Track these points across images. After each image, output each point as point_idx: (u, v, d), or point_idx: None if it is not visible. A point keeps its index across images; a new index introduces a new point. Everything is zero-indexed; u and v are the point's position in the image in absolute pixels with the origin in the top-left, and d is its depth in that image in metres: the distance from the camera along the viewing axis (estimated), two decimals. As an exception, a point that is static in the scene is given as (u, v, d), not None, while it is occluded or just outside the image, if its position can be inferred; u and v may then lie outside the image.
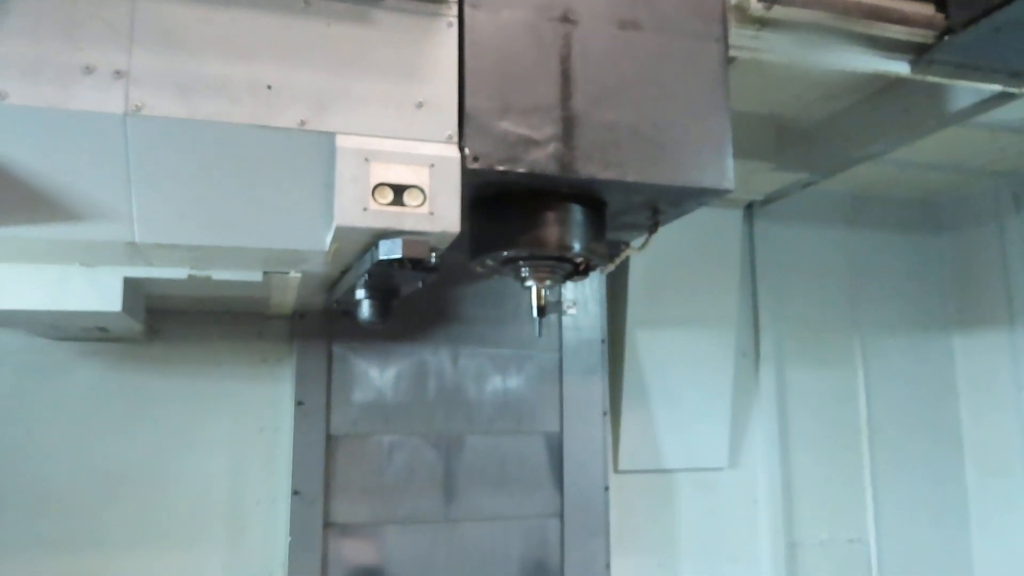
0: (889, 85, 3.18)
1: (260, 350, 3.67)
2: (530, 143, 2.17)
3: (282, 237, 2.19)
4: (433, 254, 2.14)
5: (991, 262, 4.59)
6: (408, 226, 2.01)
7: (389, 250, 2.01)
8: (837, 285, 4.64)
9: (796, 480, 4.37)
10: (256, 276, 2.55)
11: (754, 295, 4.45)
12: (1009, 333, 4.46)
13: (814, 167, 3.66)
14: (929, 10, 2.45)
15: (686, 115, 2.32)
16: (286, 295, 2.97)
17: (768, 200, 4.32)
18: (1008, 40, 2.40)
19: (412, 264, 2.13)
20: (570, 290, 3.81)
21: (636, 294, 4.01)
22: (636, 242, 2.73)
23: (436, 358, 3.63)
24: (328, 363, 3.49)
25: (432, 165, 2.05)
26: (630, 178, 2.24)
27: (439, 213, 2.04)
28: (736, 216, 4.19)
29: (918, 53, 2.56)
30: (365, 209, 1.99)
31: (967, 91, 2.87)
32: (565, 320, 3.79)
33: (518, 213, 2.34)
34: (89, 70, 1.87)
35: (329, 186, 2.08)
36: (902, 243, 4.83)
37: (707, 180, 2.32)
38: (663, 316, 4.08)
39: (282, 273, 2.56)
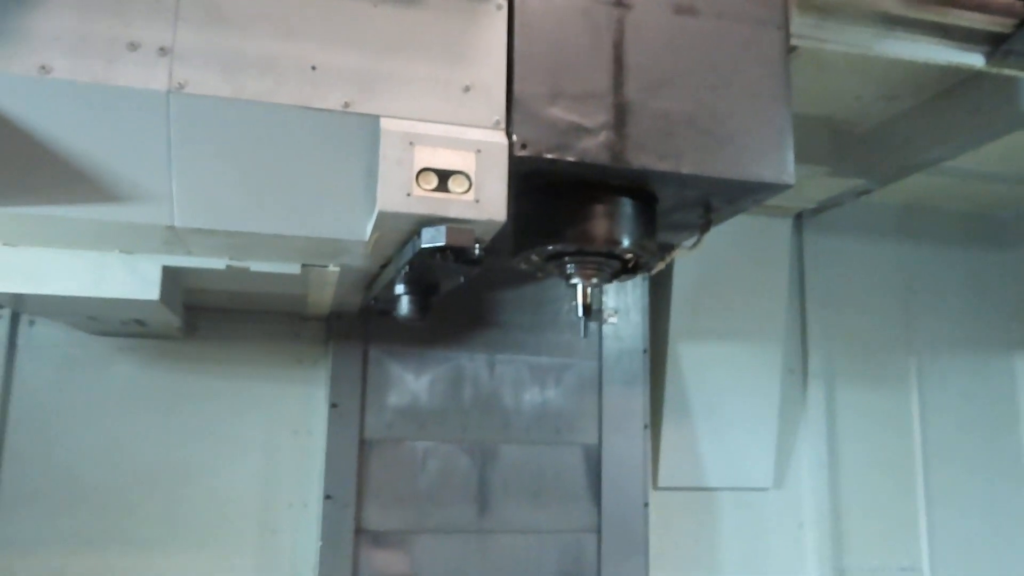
0: (956, 84, 3.04)
1: (296, 351, 3.62)
2: (580, 131, 2.09)
3: (322, 225, 2.13)
4: (477, 245, 2.06)
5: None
6: (453, 213, 1.93)
7: (432, 238, 1.94)
8: (891, 301, 4.46)
9: (845, 504, 4.18)
10: (294, 269, 2.49)
11: (803, 309, 4.29)
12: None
13: (871, 173, 3.52)
14: (1006, -1, 2.32)
15: (744, 106, 2.22)
16: (324, 293, 2.91)
17: (819, 209, 4.18)
18: (1091, 31, 2.26)
19: (455, 254, 2.06)
20: (612, 297, 3.71)
21: (679, 304, 3.89)
22: (687, 242, 2.62)
23: (472, 364, 3.54)
24: (364, 366, 3.42)
25: (479, 151, 1.98)
26: (685, 170, 2.14)
27: (485, 201, 1.96)
28: (786, 225, 4.05)
29: (994, 44, 2.42)
30: (409, 195, 1.91)
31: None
32: (606, 329, 3.68)
33: (565, 205, 2.25)
34: (134, 46, 1.83)
35: (372, 172, 2.02)
36: (961, 258, 4.63)
37: (766, 174, 2.21)
38: (707, 328, 3.95)
39: (321, 267, 2.50)
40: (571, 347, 3.63)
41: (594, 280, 2.35)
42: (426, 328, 3.45)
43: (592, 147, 2.08)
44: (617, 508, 3.55)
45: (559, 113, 2.08)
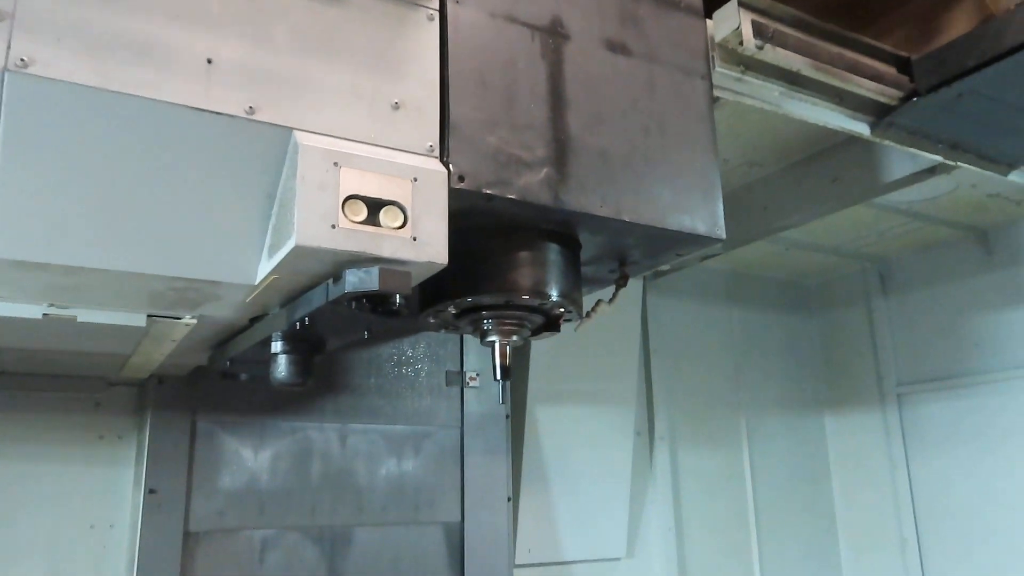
0: (816, 154, 3.19)
1: (96, 424, 2.92)
2: (521, 165, 1.83)
3: (198, 263, 1.66)
4: (398, 298, 1.71)
5: (859, 343, 4.76)
6: (386, 252, 1.58)
7: (361, 282, 1.56)
8: (724, 363, 4.60)
9: (691, 568, 4.14)
10: (137, 320, 1.95)
11: (647, 371, 4.27)
12: (881, 412, 4.60)
13: (729, 236, 3.58)
14: (896, 73, 2.45)
15: (676, 153, 2.10)
16: (157, 351, 2.34)
17: (663, 272, 4.23)
18: (966, 108, 2.43)
19: (374, 304, 1.69)
20: (473, 358, 3.42)
21: (538, 366, 3.69)
22: (605, 299, 2.41)
23: (322, 435, 3.06)
24: (191, 441, 2.81)
25: (415, 179, 1.65)
26: (626, 217, 1.95)
27: (424, 239, 1.62)
28: (637, 286, 4.03)
29: (880, 115, 2.54)
30: (334, 227, 1.53)
31: (902, 162, 2.91)
32: (467, 393, 3.38)
33: (487, 251, 1.96)
34: (-49, 3, 1.32)
35: (271, 196, 1.62)
36: (779, 322, 4.91)
37: (700, 226, 2.08)
38: (564, 390, 3.78)
39: (173, 319, 1.98)
40: (431, 414, 3.28)
41: (514, 338, 2.07)
42: (266, 394, 2.95)
43: (533, 184, 1.83)
44: (482, 593, 3.20)
45: (498, 143, 1.81)
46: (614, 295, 2.34)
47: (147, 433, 2.76)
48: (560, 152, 1.89)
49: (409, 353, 3.30)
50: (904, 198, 3.76)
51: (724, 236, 2.12)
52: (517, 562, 3.60)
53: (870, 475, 4.65)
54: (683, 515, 4.20)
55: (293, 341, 1.98)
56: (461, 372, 3.37)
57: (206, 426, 2.85)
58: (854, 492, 4.72)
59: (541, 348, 3.69)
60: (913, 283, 4.60)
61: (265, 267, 1.66)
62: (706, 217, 2.09)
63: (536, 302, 1.96)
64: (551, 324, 2.11)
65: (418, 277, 1.66)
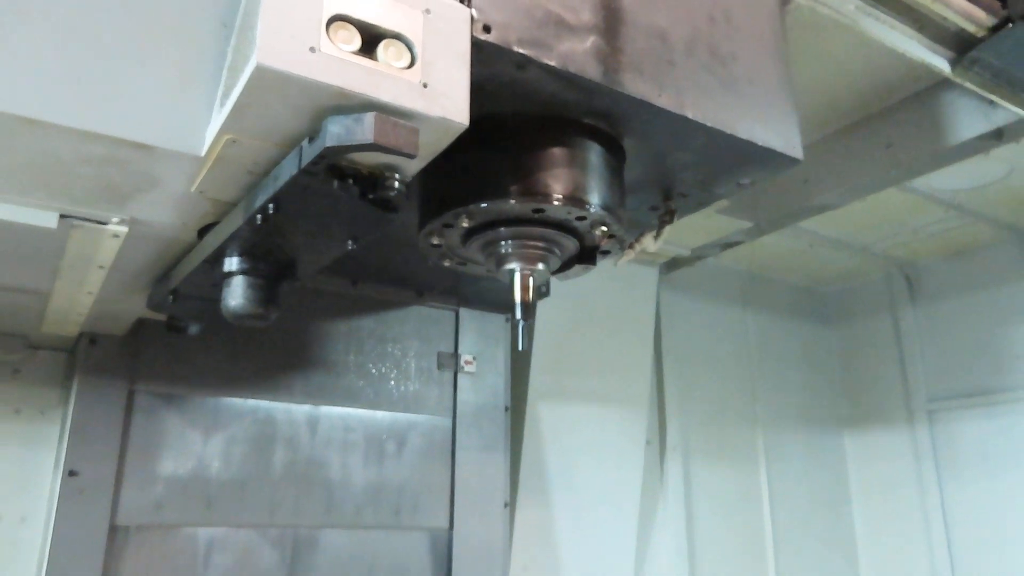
0: (867, 118, 2.81)
1: (12, 395, 2.43)
2: (563, 27, 1.40)
3: (123, 116, 1.20)
4: (398, 177, 1.26)
5: (884, 354, 4.35)
6: (385, 96, 1.13)
7: (348, 132, 1.10)
8: (739, 369, 4.16)
9: (704, 599, 3.65)
10: (48, 219, 1.47)
11: (659, 372, 3.82)
12: (910, 431, 4.16)
13: (761, 214, 3.18)
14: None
15: (744, 50, 1.68)
16: (81, 288, 1.86)
17: (673, 265, 3.80)
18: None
19: (364, 187, 1.23)
20: (471, 338, 2.94)
21: (541, 357, 3.23)
22: (650, 233, 1.96)
23: (288, 418, 2.56)
24: (126, 416, 2.31)
25: (427, 10, 1.21)
26: (689, 113, 1.52)
27: (437, 87, 1.17)
28: (652, 274, 3.60)
29: (962, 50, 2.16)
30: (313, 50, 1.08)
31: (973, 120, 2.53)
32: (462, 379, 2.90)
33: (513, 145, 1.52)
34: None
35: (227, 25, 1.18)
36: (795, 330, 4.50)
37: (776, 141, 1.66)
38: (570, 387, 3.31)
39: (96, 222, 1.51)
40: (418, 400, 2.79)
41: (539, 266, 1.61)
42: (221, 361, 2.46)
43: (578, 53, 1.40)
44: (471, 615, 2.69)
45: (535, -6, 1.38)
46: (659, 231, 1.89)
47: (71, 404, 2.26)
48: (610, 21, 1.47)
49: (396, 328, 2.82)
50: (950, 185, 3.39)
51: (801, 157, 1.70)
52: (511, 582, 3.09)
53: (897, 502, 4.19)
54: (696, 538, 3.72)
55: (253, 257, 1.51)
56: (455, 354, 2.89)
57: (146, 399, 2.35)
58: (879, 519, 4.26)
59: (545, 335, 3.24)
60: (945, 290, 4.21)
61: (216, 124, 1.20)
62: (781, 131, 1.67)
63: (574, 213, 1.50)
64: (586, 255, 1.65)
65: (428, 144, 1.21)
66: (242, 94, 1.09)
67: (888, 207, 3.53)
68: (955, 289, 4.13)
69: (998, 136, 2.57)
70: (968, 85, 2.23)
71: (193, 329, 2.15)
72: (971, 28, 2.12)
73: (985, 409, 3.98)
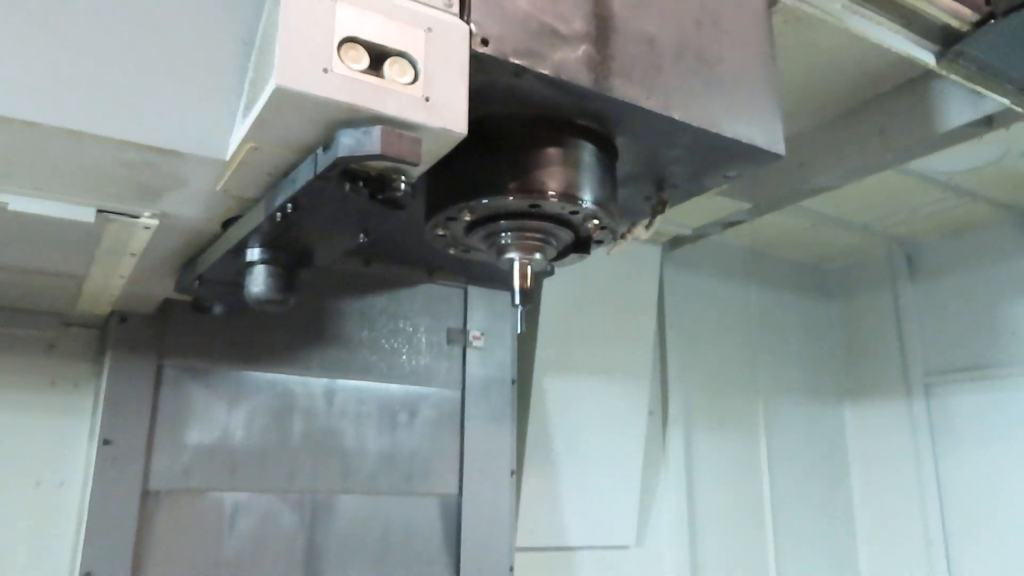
0: (861, 105, 2.89)
1: (49, 370, 2.60)
2: (556, 37, 1.51)
3: (156, 126, 1.33)
4: (404, 179, 1.39)
5: (884, 329, 4.45)
6: (391, 110, 1.25)
7: (358, 144, 1.23)
8: (741, 342, 4.29)
9: (703, 562, 3.82)
10: (86, 215, 1.62)
11: (662, 346, 3.95)
12: (907, 403, 4.28)
13: (760, 195, 3.28)
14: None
15: (731, 52, 1.78)
16: (115, 272, 2.01)
17: (677, 243, 3.92)
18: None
19: (373, 188, 1.36)
20: (480, 314, 3.08)
21: (547, 331, 3.37)
22: (643, 222, 2.09)
23: (306, 391, 2.73)
24: (155, 388, 2.47)
25: (429, 29, 1.33)
26: (676, 115, 1.63)
27: (438, 101, 1.30)
28: (655, 252, 3.72)
29: (947, 44, 2.24)
30: (326, 71, 1.21)
31: (960, 110, 2.61)
32: (470, 354, 3.05)
33: (511, 146, 1.64)
34: None
35: (248, 43, 1.30)
36: (796, 304, 4.61)
37: (759, 137, 1.77)
38: (575, 360, 3.46)
39: (130, 216, 1.65)
40: (429, 374, 2.95)
41: (536, 256, 1.74)
42: (244, 338, 2.62)
43: (570, 61, 1.51)
44: (479, 575, 2.86)
45: (528, 7, 1.49)
46: (651, 220, 2.01)
47: (104, 377, 2.42)
48: (601, 30, 1.58)
49: (407, 305, 2.97)
50: (946, 167, 3.47)
51: (783, 153, 1.81)
52: (518, 544, 3.26)
53: (894, 472, 4.32)
54: (696, 504, 3.88)
55: (273, 248, 1.65)
56: (464, 330, 3.04)
57: (173, 372, 2.51)
58: (876, 489, 4.40)
59: (550, 310, 3.38)
60: (944, 267, 4.30)
61: (239, 133, 1.33)
62: (765, 128, 1.78)
63: (567, 208, 1.63)
64: (580, 245, 1.78)
65: (430, 151, 1.34)
66: (263, 110, 1.22)
67: (888, 188, 3.61)
68: (953, 266, 4.22)
69: (988, 123, 2.66)
70: (954, 77, 2.32)
71: (217, 309, 2.30)
72: (956, 23, 2.20)
73: (981, 383, 4.08)
